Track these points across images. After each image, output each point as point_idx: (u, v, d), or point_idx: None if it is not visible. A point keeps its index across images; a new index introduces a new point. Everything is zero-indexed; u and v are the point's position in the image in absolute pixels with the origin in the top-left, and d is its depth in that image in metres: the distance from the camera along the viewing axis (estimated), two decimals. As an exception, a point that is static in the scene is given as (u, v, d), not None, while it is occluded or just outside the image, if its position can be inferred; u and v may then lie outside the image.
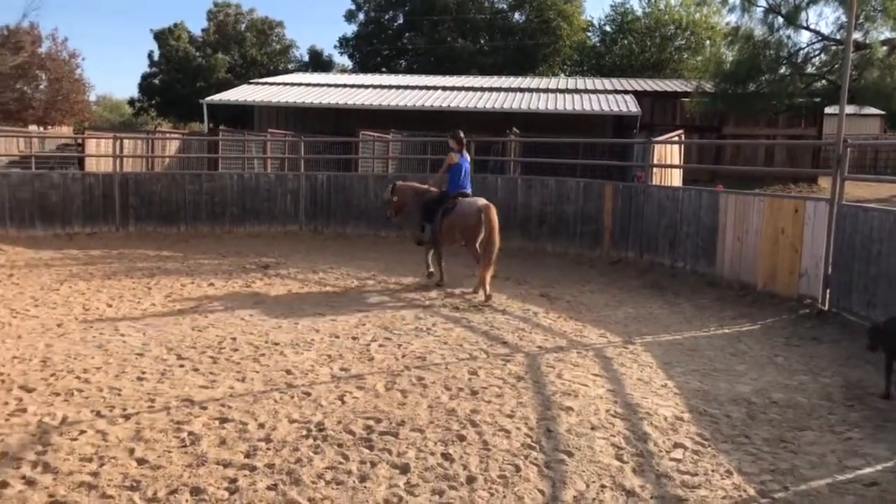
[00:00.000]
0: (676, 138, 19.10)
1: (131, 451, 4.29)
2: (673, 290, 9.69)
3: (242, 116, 33.66)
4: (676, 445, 4.52)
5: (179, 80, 46.45)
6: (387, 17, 50.23)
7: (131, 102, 54.09)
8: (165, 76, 48.04)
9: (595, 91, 30.12)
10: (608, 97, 28.28)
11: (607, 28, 49.30)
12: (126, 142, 19.46)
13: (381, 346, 6.71)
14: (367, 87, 31.25)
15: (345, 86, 31.62)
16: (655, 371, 6.12)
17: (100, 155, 18.85)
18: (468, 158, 9.85)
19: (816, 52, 24.81)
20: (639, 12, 48.02)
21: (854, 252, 7.56)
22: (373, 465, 4.17)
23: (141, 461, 4.16)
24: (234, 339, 6.86)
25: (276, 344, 6.70)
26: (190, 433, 4.55)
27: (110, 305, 8.26)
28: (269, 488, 3.87)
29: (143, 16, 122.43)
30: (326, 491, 3.85)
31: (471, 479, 4.01)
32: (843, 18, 21.66)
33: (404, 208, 10.12)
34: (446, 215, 9.36)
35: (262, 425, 4.71)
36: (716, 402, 5.37)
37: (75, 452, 4.25)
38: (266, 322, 7.56)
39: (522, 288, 9.72)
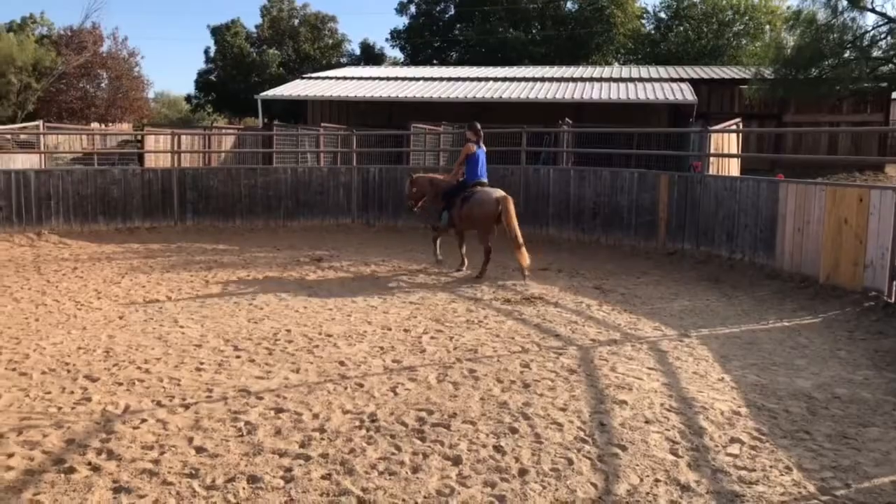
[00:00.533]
0: (734, 127, 18.67)
1: (190, 439, 4.41)
2: (730, 282, 9.47)
3: (296, 111, 34.12)
4: (733, 440, 4.43)
5: (234, 76, 47.36)
6: (438, 8, 50.28)
7: (188, 99, 55.41)
8: (221, 72, 49.06)
9: (650, 79, 29.50)
10: (663, 85, 27.69)
11: (662, 15, 48.35)
12: (183, 138, 19.94)
13: (432, 338, 6.74)
14: (418, 79, 31.32)
15: (396, 79, 31.76)
16: (712, 365, 5.99)
17: (158, 151, 19.41)
18: (484, 149, 10.31)
19: (883, 35, 23.92)
20: (695, -2, 47.04)
21: (923, 242, 7.28)
22: (425, 456, 4.19)
23: (199, 449, 4.27)
24: (288, 330, 6.97)
25: (330, 336, 6.79)
26: (246, 423, 4.65)
27: (169, 298, 8.49)
28: (323, 478, 3.92)
29: (200, 12, 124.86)
30: (379, 481, 3.89)
31: (523, 472, 4.00)
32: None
33: (423, 199, 10.74)
34: (465, 203, 9.83)
35: (316, 416, 4.78)
36: (774, 396, 5.24)
37: (137, 440, 4.38)
38: (320, 314, 7.66)
39: (575, 280, 9.63)
